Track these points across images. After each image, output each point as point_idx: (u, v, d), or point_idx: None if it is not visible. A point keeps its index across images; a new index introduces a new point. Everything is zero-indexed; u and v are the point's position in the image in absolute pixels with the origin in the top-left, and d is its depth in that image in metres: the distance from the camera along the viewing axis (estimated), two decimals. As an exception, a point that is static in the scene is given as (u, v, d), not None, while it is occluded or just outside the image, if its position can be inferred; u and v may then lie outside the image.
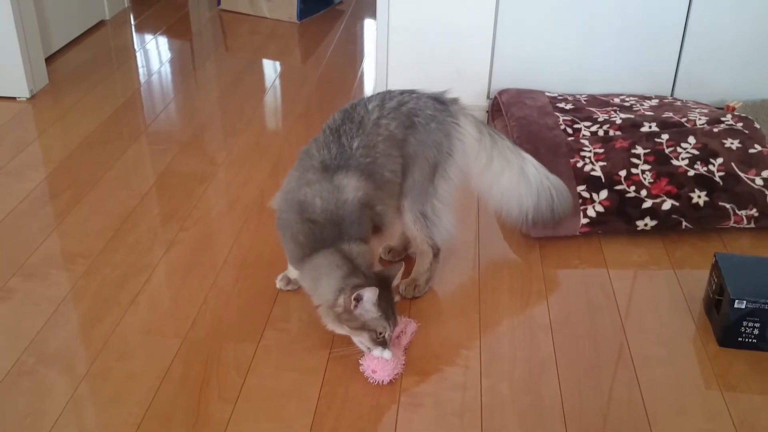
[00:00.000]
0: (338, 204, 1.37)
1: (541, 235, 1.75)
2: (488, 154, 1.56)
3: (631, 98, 2.13)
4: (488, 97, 2.30)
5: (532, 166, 1.60)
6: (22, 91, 2.42)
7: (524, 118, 2.00)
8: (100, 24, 3.10)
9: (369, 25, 3.28)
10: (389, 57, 2.27)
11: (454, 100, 1.56)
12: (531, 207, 1.61)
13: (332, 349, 1.42)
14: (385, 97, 1.51)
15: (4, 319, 1.48)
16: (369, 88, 2.61)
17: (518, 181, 1.59)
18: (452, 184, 1.53)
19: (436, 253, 1.58)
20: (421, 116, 1.49)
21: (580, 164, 1.81)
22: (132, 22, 3.20)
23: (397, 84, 2.28)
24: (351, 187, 1.38)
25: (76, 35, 2.92)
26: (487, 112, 2.30)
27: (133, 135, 2.23)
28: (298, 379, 1.35)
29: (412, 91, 1.53)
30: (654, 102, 2.10)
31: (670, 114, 1.98)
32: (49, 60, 2.67)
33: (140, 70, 2.73)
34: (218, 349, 1.42)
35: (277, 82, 2.70)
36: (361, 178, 1.40)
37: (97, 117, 2.32)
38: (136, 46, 2.96)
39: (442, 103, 1.53)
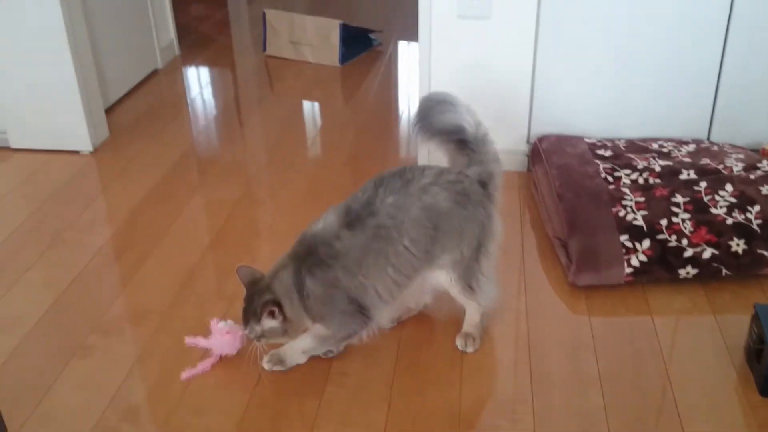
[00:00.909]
0: (325, 242, 1.47)
1: (586, 284, 1.83)
2: None
3: (669, 143, 2.19)
4: (528, 141, 2.39)
5: None
6: (85, 145, 2.57)
7: (565, 167, 2.08)
8: (154, 73, 3.26)
9: (407, 64, 3.39)
10: (432, 106, 2.36)
11: (490, 176, 1.64)
12: None
13: (391, 403, 1.51)
14: (443, 170, 1.59)
15: (85, 376, 1.60)
16: (406, 131, 2.71)
17: None
18: (493, 259, 1.64)
19: (486, 310, 1.68)
20: (473, 198, 1.58)
21: (622, 213, 1.88)
22: (183, 69, 3.35)
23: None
24: (345, 243, 1.47)
25: (132, 86, 3.08)
26: (527, 156, 2.38)
27: (190, 189, 2.35)
28: (361, 433, 1.45)
29: (467, 174, 1.61)
30: (691, 147, 2.16)
31: (707, 161, 2.04)
32: (108, 112, 2.82)
33: (192, 121, 2.86)
34: (284, 404, 1.52)
35: (322, 127, 2.82)
36: (365, 240, 1.48)
37: (156, 171, 2.45)
38: (188, 95, 3.10)
39: (485, 186, 1.62)
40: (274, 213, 2.21)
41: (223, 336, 1.61)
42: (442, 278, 1.62)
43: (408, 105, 2.96)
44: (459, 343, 1.66)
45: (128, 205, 2.25)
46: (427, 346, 1.68)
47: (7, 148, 2.59)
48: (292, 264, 1.50)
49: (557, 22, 2.20)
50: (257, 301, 1.48)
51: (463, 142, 1.66)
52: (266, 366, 1.60)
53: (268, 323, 1.49)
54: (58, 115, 2.51)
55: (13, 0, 2.34)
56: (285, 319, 1.48)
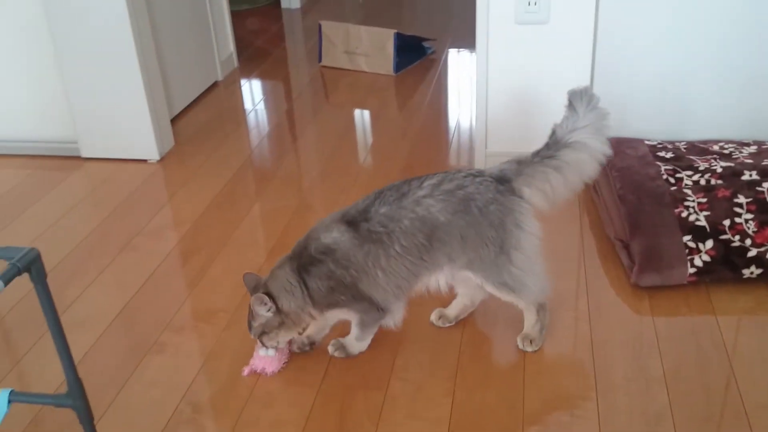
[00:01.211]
0: (315, 237, 1.56)
1: (649, 285, 1.82)
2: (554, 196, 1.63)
3: (730, 145, 2.17)
4: (586, 145, 2.38)
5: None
6: (153, 154, 2.67)
7: (626, 169, 2.08)
8: (214, 85, 3.36)
9: (461, 71, 3.42)
10: (488, 111, 2.39)
11: (519, 172, 1.59)
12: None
13: (454, 398, 1.54)
14: (446, 178, 1.59)
15: (159, 371, 1.66)
16: (466, 139, 2.73)
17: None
18: (528, 251, 1.60)
19: (539, 307, 1.67)
20: (479, 200, 1.55)
21: (684, 214, 1.87)
22: (241, 81, 3.45)
23: (495, 135, 2.41)
24: (334, 235, 1.54)
25: (194, 97, 3.18)
26: (586, 160, 2.38)
27: (250, 198, 2.42)
28: (426, 428, 1.47)
29: (478, 174, 1.60)
30: (752, 149, 2.14)
31: (771, 161, 2.02)
32: (173, 122, 2.92)
33: (251, 132, 2.94)
34: (350, 398, 1.55)
35: (377, 136, 2.86)
36: (355, 237, 1.52)
37: (219, 180, 2.52)
38: (246, 107, 3.19)
39: (505, 181, 1.59)
40: (335, 217, 2.26)
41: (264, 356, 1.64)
42: (471, 279, 1.62)
43: (461, 112, 2.99)
44: (519, 342, 1.68)
45: (193, 212, 2.33)
46: (489, 343, 1.70)
47: (79, 158, 2.71)
48: (288, 263, 1.59)
49: (616, 25, 2.21)
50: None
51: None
52: (329, 350, 1.67)
53: (261, 313, 1.55)
54: (128, 126, 2.62)
55: (85, 18, 2.45)
56: (279, 310, 1.55)
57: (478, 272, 1.60)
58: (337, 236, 1.55)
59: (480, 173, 1.60)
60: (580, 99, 1.63)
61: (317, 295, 1.56)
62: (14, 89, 2.70)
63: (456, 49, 3.69)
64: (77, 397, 1.18)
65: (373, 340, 1.71)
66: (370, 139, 2.84)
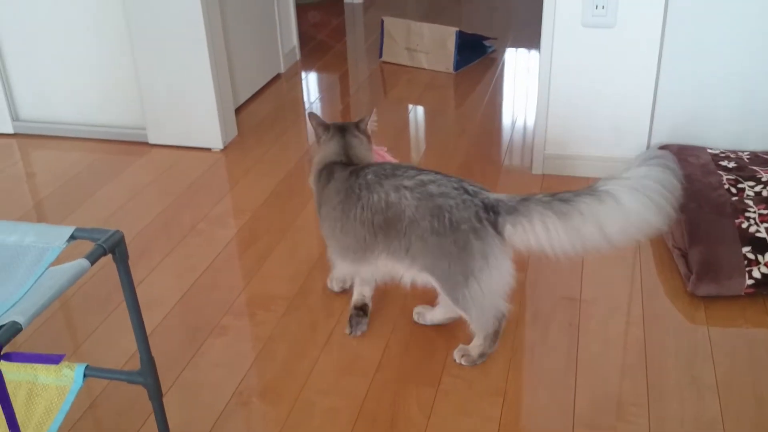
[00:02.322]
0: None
1: (706, 294, 1.82)
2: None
3: (797, 157, 2.14)
4: (647, 150, 2.37)
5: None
6: (217, 143, 2.75)
7: (687, 177, 2.05)
8: (277, 77, 3.43)
9: (521, 71, 3.42)
10: (549, 113, 2.39)
11: (514, 209, 1.49)
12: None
13: (506, 397, 1.56)
14: (437, 180, 1.56)
15: (222, 352, 1.73)
16: (522, 140, 2.74)
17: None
18: (485, 285, 1.53)
19: (487, 335, 1.62)
20: (454, 215, 1.51)
21: (744, 225, 1.86)
22: (302, 74, 3.51)
23: (554, 138, 2.41)
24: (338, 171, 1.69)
25: (258, 89, 3.26)
26: (645, 166, 2.36)
27: (309, 190, 2.45)
28: (477, 425, 1.50)
29: (471, 192, 1.53)
30: (821, 161, 2.10)
31: (840, 175, 1.98)
32: (236, 112, 3.00)
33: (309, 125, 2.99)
34: (403, 391, 1.59)
35: (435, 133, 2.89)
36: (344, 181, 1.66)
37: (279, 170, 2.58)
38: (306, 99, 3.25)
39: (493, 212, 1.50)
40: (392, 212, 2.30)
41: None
42: (431, 283, 1.61)
43: (520, 113, 3.00)
44: (455, 352, 1.66)
45: (254, 201, 2.40)
46: (541, 344, 1.72)
47: (146, 144, 2.80)
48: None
49: (683, 31, 2.19)
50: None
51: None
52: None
53: None
54: (194, 115, 2.70)
55: (159, 8, 2.53)
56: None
57: (434, 278, 1.59)
58: (339, 172, 1.68)
59: (475, 193, 1.54)
60: (641, 156, 1.46)
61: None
62: (88, 76, 2.81)
63: (516, 48, 3.68)
64: (149, 374, 1.24)
65: (426, 338, 1.74)
66: (427, 136, 2.87)
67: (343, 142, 1.75)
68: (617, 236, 1.45)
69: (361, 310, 1.78)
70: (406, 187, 1.56)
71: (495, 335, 1.64)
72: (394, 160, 1.84)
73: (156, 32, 2.58)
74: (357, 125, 1.79)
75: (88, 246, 1.12)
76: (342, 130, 1.77)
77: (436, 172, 1.61)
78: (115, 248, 1.13)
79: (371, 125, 1.80)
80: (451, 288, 1.57)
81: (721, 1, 2.13)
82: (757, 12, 2.12)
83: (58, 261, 1.08)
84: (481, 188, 1.58)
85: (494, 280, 1.54)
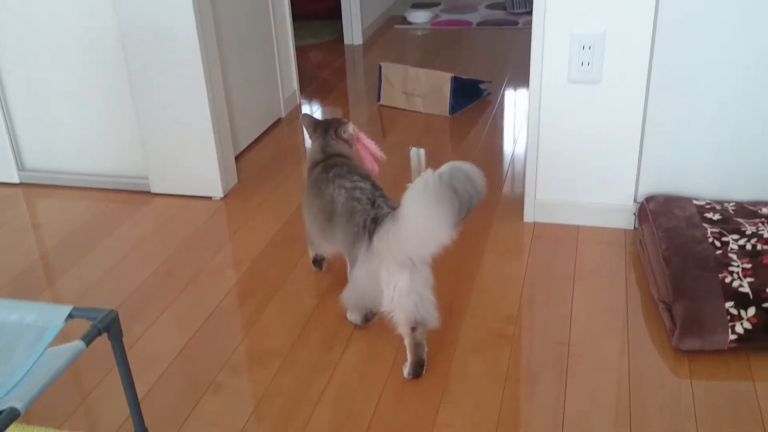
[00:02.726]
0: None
1: (690, 348, 1.86)
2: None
3: (780, 209, 2.19)
4: (635, 200, 2.43)
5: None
6: (217, 191, 2.82)
7: (672, 230, 2.11)
8: (278, 122, 3.51)
9: (515, 111, 3.49)
10: (538, 162, 2.46)
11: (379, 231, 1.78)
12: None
13: (493, 455, 1.61)
14: (368, 184, 1.92)
15: (217, 411, 1.78)
16: (517, 185, 2.80)
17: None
18: (355, 277, 1.87)
19: (349, 312, 2.04)
20: (358, 213, 1.85)
21: (728, 280, 1.90)
22: (302, 118, 3.59)
23: (544, 185, 2.47)
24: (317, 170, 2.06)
25: (258, 134, 3.33)
26: (634, 214, 2.42)
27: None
28: (464, 483, 1.54)
29: (380, 206, 1.83)
30: (804, 213, 2.15)
31: (821, 228, 2.03)
32: (237, 159, 3.07)
33: (312, 168, 3.07)
34: (393, 448, 1.64)
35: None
36: (317, 177, 2.04)
37: (278, 218, 2.65)
38: (307, 144, 3.32)
39: (375, 224, 1.80)
40: (386, 262, 2.36)
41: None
42: None
43: (513, 156, 3.06)
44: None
45: (254, 250, 2.46)
46: (529, 394, 1.76)
47: (148, 193, 2.88)
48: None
49: (668, 86, 2.25)
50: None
51: None
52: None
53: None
54: (195, 164, 2.77)
55: (160, 60, 2.62)
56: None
57: (346, 258, 1.95)
58: (316, 168, 2.05)
59: (378, 206, 1.83)
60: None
61: None
62: (91, 126, 2.90)
63: (512, 90, 3.76)
64: (143, 443, 1.30)
65: (418, 390, 1.79)
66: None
67: (323, 142, 2.11)
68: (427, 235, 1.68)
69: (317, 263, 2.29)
70: (343, 187, 1.92)
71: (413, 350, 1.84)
72: (379, 153, 2.18)
73: (157, 83, 2.66)
74: (335, 130, 2.12)
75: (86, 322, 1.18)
76: (325, 131, 2.13)
77: (372, 182, 1.94)
78: (109, 327, 1.19)
79: (348, 133, 2.13)
80: (349, 268, 1.93)
81: (705, 56, 2.19)
82: (741, 65, 2.18)
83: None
84: (388, 204, 1.86)
85: (364, 275, 1.82)
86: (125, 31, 2.60)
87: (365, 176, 1.96)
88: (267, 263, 2.39)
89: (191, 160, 2.78)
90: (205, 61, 2.62)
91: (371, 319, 2.00)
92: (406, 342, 1.82)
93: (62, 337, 1.19)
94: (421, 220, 1.67)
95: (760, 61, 2.16)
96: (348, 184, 1.91)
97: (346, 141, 2.12)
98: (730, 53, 2.17)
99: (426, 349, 1.83)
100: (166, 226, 2.66)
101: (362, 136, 2.17)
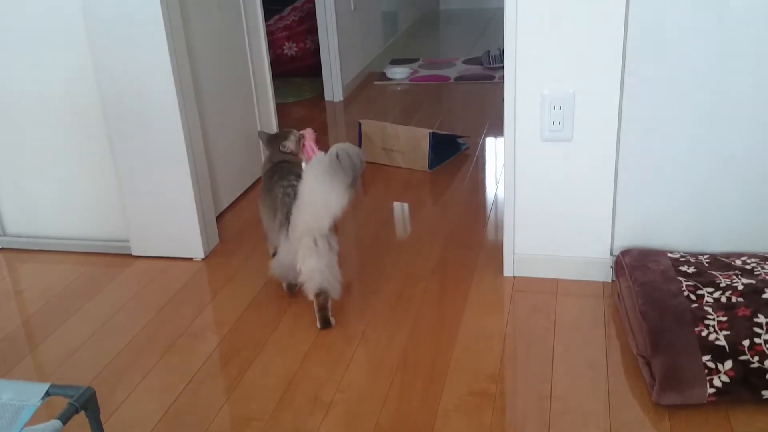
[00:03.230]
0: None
1: (670, 403, 1.87)
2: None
3: (753, 260, 2.22)
4: (611, 253, 2.46)
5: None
6: (198, 252, 2.83)
7: (648, 284, 2.14)
8: (259, 180, 3.54)
9: (494, 163, 3.54)
10: (515, 218, 2.49)
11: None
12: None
13: None
14: (294, 185, 2.32)
15: (197, 480, 1.76)
16: (496, 239, 2.83)
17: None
18: (280, 255, 2.38)
19: (287, 284, 2.57)
20: (280, 212, 2.32)
21: (704, 333, 1.93)
22: (284, 175, 3.62)
23: (522, 240, 2.50)
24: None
25: (239, 194, 3.36)
26: (611, 267, 2.45)
27: (288, 298, 2.54)
28: None
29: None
30: (776, 264, 2.19)
31: (793, 279, 2.07)
32: (218, 219, 3.09)
33: (294, 226, 3.09)
34: None
35: (412, 232, 2.98)
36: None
37: (261, 277, 2.66)
38: (288, 201, 3.35)
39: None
40: (367, 321, 2.36)
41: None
42: None
43: (492, 210, 3.10)
44: None
45: (235, 311, 2.46)
46: (510, 462, 1.76)
47: (129, 256, 2.88)
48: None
49: (639, 141, 2.31)
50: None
51: None
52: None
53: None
54: (175, 226, 2.79)
55: (141, 124, 2.65)
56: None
57: None
58: (266, 175, 2.49)
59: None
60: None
61: None
62: (73, 190, 2.92)
63: (490, 142, 3.82)
64: None
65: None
66: (405, 234, 2.96)
67: (271, 152, 2.52)
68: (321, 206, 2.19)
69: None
70: (282, 186, 2.33)
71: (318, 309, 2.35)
72: (317, 152, 2.50)
73: (137, 146, 2.69)
74: (280, 143, 2.50)
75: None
76: (273, 143, 2.52)
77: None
78: (86, 405, 1.19)
79: (288, 147, 2.51)
80: (278, 251, 2.38)
81: (673, 109, 2.25)
82: (710, 117, 2.24)
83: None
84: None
85: (284, 256, 2.32)
86: (105, 96, 2.65)
87: (299, 177, 2.31)
88: (248, 325, 2.39)
89: (172, 222, 2.79)
90: (185, 124, 2.65)
91: (293, 289, 2.52)
92: (315, 305, 2.33)
93: (41, 409, 1.19)
94: (317, 187, 2.17)
95: (728, 112, 2.23)
96: (285, 183, 2.32)
97: (290, 153, 2.51)
98: (698, 105, 2.23)
99: (330, 310, 2.36)
100: (147, 289, 2.66)
101: (307, 138, 2.54)
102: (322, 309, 2.33)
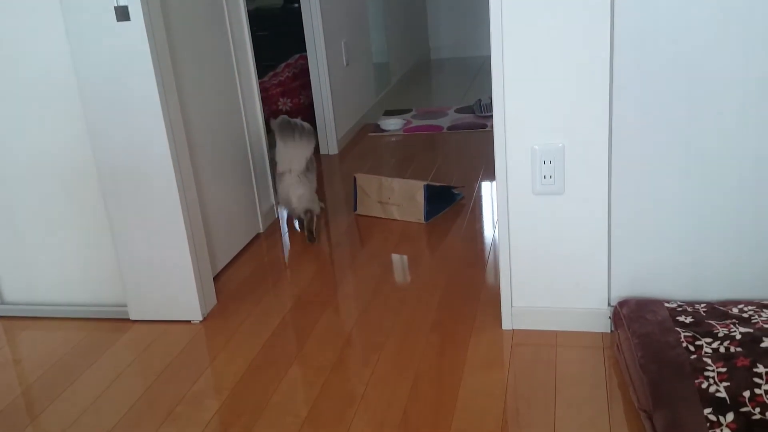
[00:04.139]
0: None
1: (672, 459, 1.85)
2: None
3: (749, 308, 2.22)
4: (609, 303, 2.46)
5: None
6: (196, 315, 2.82)
7: (646, 336, 2.14)
8: (256, 237, 3.56)
9: (487, 214, 3.56)
10: (512, 271, 2.50)
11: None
12: None
13: None
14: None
15: None
16: (494, 293, 2.83)
17: None
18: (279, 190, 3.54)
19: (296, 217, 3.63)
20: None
21: (704, 386, 1.91)
22: (282, 232, 3.64)
23: (519, 292, 2.50)
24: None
25: (237, 252, 3.37)
26: (609, 318, 2.45)
27: (288, 357, 2.53)
28: None
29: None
30: (773, 311, 2.18)
31: (791, 327, 2.06)
32: (215, 279, 3.09)
33: (291, 285, 3.10)
34: None
35: (409, 286, 2.98)
36: None
37: (259, 339, 2.65)
38: (287, 258, 3.36)
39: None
40: (366, 382, 2.35)
41: None
42: None
43: (488, 262, 3.10)
44: None
45: (234, 375, 2.45)
46: None
47: (127, 320, 2.88)
48: None
49: (630, 193, 2.33)
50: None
51: None
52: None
53: None
54: (172, 289, 2.79)
55: (136, 188, 2.67)
56: None
57: None
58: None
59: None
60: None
61: None
62: (70, 257, 2.93)
63: (485, 191, 3.85)
64: None
65: None
66: (403, 289, 2.96)
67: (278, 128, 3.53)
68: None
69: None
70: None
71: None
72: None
73: (133, 210, 2.71)
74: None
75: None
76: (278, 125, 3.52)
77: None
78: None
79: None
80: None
81: (663, 158, 2.27)
82: (699, 165, 2.26)
83: None
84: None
85: (282, 192, 3.44)
86: (100, 160, 2.67)
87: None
88: (247, 389, 2.37)
89: (169, 285, 2.79)
90: (180, 185, 2.67)
91: (302, 226, 3.53)
92: (304, 222, 3.46)
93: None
94: (282, 144, 3.42)
95: (717, 160, 2.25)
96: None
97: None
98: (687, 154, 2.25)
99: (314, 225, 3.44)
100: (145, 354, 2.65)
101: None
102: (309, 224, 3.41)
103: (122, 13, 2.52)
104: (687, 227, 2.34)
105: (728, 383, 1.90)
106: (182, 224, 2.70)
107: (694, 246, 2.35)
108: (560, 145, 2.29)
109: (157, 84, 2.54)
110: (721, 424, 1.83)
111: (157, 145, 2.61)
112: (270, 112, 5.12)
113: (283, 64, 5.32)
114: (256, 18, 6.17)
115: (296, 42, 4.85)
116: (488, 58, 2.33)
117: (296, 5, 4.60)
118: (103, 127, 2.63)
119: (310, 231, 3.42)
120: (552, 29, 2.19)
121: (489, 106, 5.23)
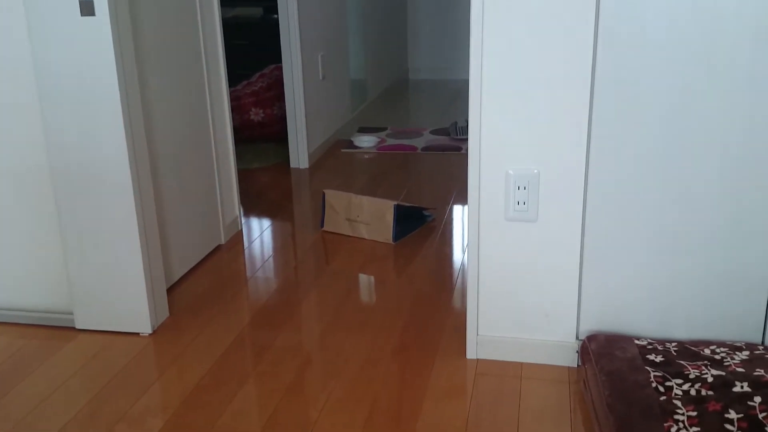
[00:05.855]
0: None
1: (636, 506, 1.75)
2: None
3: (722, 349, 2.15)
4: (577, 337, 2.38)
5: None
6: (145, 327, 2.68)
7: (615, 373, 2.05)
8: (217, 248, 3.42)
9: (457, 238, 3.47)
10: (479, 299, 2.41)
11: None
12: None
13: None
14: None
15: None
16: (455, 318, 2.74)
17: None
18: None
19: None
20: None
21: (674, 429, 1.83)
22: (244, 244, 3.51)
23: (486, 321, 2.41)
24: None
25: (194, 263, 3.23)
26: (577, 352, 2.36)
27: (242, 376, 2.40)
28: None
29: None
30: (744, 354, 2.11)
31: (762, 372, 1.99)
32: (169, 290, 2.95)
33: (250, 301, 2.97)
34: None
35: (373, 308, 2.87)
36: None
37: (211, 356, 2.52)
38: (247, 272, 3.23)
39: None
40: (321, 408, 2.23)
41: None
42: None
43: (455, 289, 3.01)
44: None
45: (181, 393, 2.31)
46: None
47: (73, 329, 2.72)
48: None
49: (604, 225, 2.25)
50: None
51: None
52: None
53: None
54: (122, 298, 2.64)
55: (90, 192, 2.54)
56: None
57: None
58: None
59: None
60: None
61: None
62: (15, 260, 2.77)
63: (456, 214, 3.77)
64: None
65: None
66: (364, 313, 2.84)
67: None
68: None
69: None
70: None
71: None
72: None
73: (84, 212, 2.56)
74: None
75: None
76: None
77: None
78: None
79: None
80: None
81: (637, 191, 2.20)
82: (674, 200, 2.20)
83: None
84: None
85: None
86: (54, 162, 2.53)
87: None
88: (195, 409, 2.23)
89: (118, 294, 2.65)
90: (136, 192, 2.54)
91: None
92: None
93: None
94: None
95: (694, 197, 2.19)
96: None
97: None
98: (662, 188, 2.19)
99: None
100: (89, 366, 2.50)
101: None
102: None
103: (87, 8, 2.40)
104: (660, 264, 2.27)
105: (698, 428, 1.82)
106: (136, 228, 2.56)
107: (667, 283, 2.28)
108: (535, 171, 2.21)
109: (119, 80, 2.42)
110: (690, 472, 1.75)
111: (113, 143, 2.47)
112: (242, 122, 5.01)
113: (257, 74, 5.22)
114: (234, 26, 6.10)
115: (274, 53, 4.74)
116: (467, 82, 2.25)
117: (275, 16, 4.50)
118: (60, 123, 2.49)
119: None
120: (533, 54, 2.12)
121: (465, 129, 5.17)
